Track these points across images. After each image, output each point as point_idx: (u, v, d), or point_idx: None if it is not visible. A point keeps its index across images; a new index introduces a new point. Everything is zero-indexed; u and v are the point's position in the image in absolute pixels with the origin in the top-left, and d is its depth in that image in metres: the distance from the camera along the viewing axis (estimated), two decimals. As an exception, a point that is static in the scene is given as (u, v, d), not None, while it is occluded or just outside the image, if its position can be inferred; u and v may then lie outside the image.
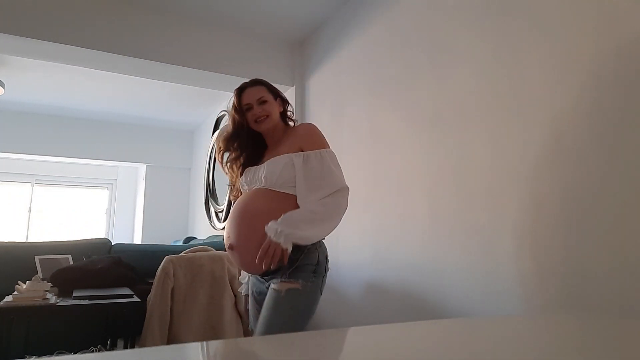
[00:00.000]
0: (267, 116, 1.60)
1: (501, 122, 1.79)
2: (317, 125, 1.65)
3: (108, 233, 6.27)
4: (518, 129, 1.72)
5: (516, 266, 1.66)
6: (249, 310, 1.69)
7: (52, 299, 2.04)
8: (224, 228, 4.78)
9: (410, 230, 2.20)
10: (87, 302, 2.07)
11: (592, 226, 1.43)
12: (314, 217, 1.46)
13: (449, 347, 0.71)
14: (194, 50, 3.18)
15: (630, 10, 1.39)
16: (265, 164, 1.57)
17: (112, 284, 2.45)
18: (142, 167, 6.15)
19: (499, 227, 1.75)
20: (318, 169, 1.51)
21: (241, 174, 1.66)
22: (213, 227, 4.81)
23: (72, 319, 2.56)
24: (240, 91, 1.66)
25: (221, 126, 4.89)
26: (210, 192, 4.95)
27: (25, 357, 2.15)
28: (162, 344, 2.34)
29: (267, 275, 1.51)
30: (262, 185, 1.54)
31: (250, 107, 1.61)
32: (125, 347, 2.23)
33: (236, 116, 1.64)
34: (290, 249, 1.41)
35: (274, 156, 1.56)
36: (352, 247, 2.64)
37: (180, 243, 4.44)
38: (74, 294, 2.16)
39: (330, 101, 3.06)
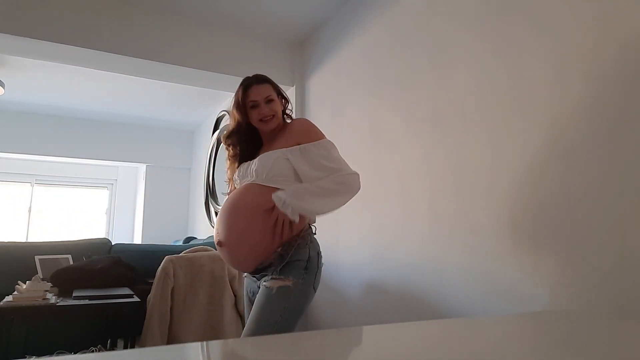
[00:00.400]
0: (274, 116, 1.59)
1: (501, 122, 1.79)
2: (316, 125, 1.65)
3: (108, 233, 6.27)
4: (518, 128, 1.72)
5: (516, 266, 1.66)
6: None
7: (52, 299, 2.04)
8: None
9: (411, 230, 2.20)
10: (87, 302, 2.07)
11: (593, 226, 1.43)
12: (321, 191, 1.47)
13: (449, 347, 0.71)
14: (194, 50, 3.18)
15: (630, 9, 1.39)
16: (257, 158, 1.57)
17: (112, 284, 2.45)
18: (142, 167, 6.15)
19: (499, 227, 1.75)
20: (323, 155, 1.52)
21: (237, 170, 1.66)
22: (213, 227, 4.81)
23: (72, 319, 2.56)
24: (246, 87, 1.62)
25: (221, 126, 4.89)
26: (210, 192, 4.95)
27: (25, 357, 2.15)
28: (162, 344, 2.34)
29: (258, 272, 1.51)
30: (253, 179, 1.53)
31: (256, 105, 1.59)
32: (125, 347, 2.23)
33: (238, 112, 1.62)
34: (297, 220, 1.42)
35: (268, 151, 1.57)
36: (352, 247, 2.64)
37: (180, 243, 4.44)
38: (74, 294, 2.16)
39: (330, 101, 3.06)
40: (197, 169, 5.84)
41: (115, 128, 5.75)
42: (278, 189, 1.49)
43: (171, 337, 2.41)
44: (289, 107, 1.71)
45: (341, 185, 1.51)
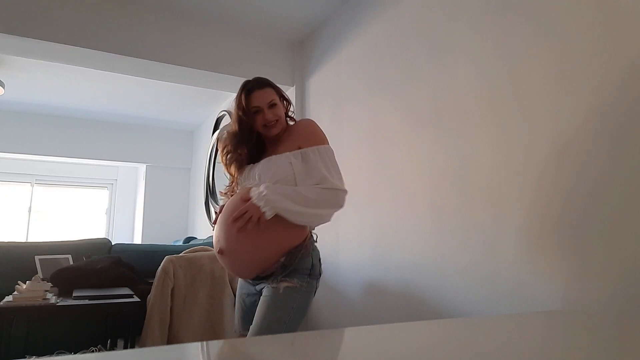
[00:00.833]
0: (277, 120, 1.57)
1: (501, 121, 1.79)
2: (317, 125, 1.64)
3: (108, 233, 6.27)
4: (518, 128, 1.72)
5: (517, 266, 1.66)
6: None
7: (52, 299, 2.04)
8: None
9: (411, 230, 2.20)
10: (87, 302, 2.07)
11: (593, 226, 1.43)
12: (303, 199, 1.44)
13: (450, 347, 0.71)
14: (194, 50, 3.18)
15: (630, 10, 1.39)
16: (261, 162, 1.55)
17: (112, 284, 2.45)
18: (142, 167, 6.15)
19: (500, 227, 1.75)
20: (315, 167, 1.50)
21: (240, 174, 1.64)
22: (213, 227, 4.80)
23: (72, 319, 2.56)
24: (248, 93, 1.59)
25: (221, 126, 4.89)
26: (210, 192, 4.95)
27: (25, 357, 2.15)
28: (162, 343, 2.34)
29: (259, 279, 1.51)
30: (255, 183, 1.52)
31: (259, 110, 1.56)
32: (125, 347, 2.23)
33: (243, 118, 1.58)
34: (268, 216, 1.40)
35: (272, 155, 1.55)
36: (352, 247, 2.64)
37: (180, 243, 4.44)
38: (74, 294, 2.16)
39: (330, 101, 3.06)
40: (197, 169, 5.84)
41: (115, 128, 5.75)
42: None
43: (171, 337, 2.41)
44: (291, 108, 1.70)
45: (323, 196, 1.47)
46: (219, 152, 1.67)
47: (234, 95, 4.80)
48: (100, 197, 6.46)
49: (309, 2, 2.98)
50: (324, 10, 3.08)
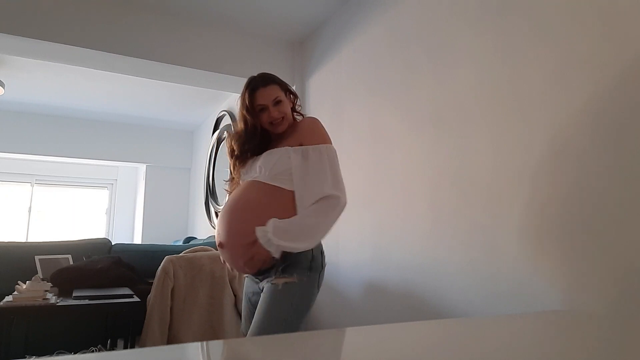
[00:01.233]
0: (284, 118, 1.57)
1: (502, 122, 1.79)
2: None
3: (108, 233, 6.28)
4: (519, 128, 1.72)
5: (517, 266, 1.66)
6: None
7: (52, 299, 2.04)
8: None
9: (411, 230, 2.20)
10: (87, 302, 2.07)
11: (593, 226, 1.43)
12: (305, 230, 1.44)
13: (450, 347, 0.71)
14: (194, 50, 3.18)
15: (631, 9, 1.39)
16: (262, 155, 1.55)
17: (112, 284, 2.45)
18: (142, 167, 6.15)
19: (500, 227, 1.75)
20: (315, 166, 1.49)
21: (243, 168, 1.63)
22: (213, 227, 4.81)
23: (72, 319, 2.56)
24: (252, 91, 1.57)
25: (221, 126, 4.89)
26: (210, 192, 4.95)
27: (25, 357, 2.15)
28: (162, 343, 2.34)
29: (261, 274, 1.50)
30: (256, 176, 1.52)
31: (264, 108, 1.55)
32: (125, 347, 2.23)
33: (248, 117, 1.57)
34: (277, 256, 1.40)
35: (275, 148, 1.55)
36: (352, 247, 2.64)
37: (180, 243, 4.44)
38: (74, 294, 2.16)
39: (330, 101, 3.06)
40: (197, 169, 5.84)
41: (115, 128, 5.75)
42: (280, 187, 1.47)
43: (171, 337, 2.41)
44: (298, 102, 1.68)
45: (323, 217, 1.46)
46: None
47: (234, 95, 4.85)
48: (100, 197, 6.46)
49: (309, 2, 2.98)
50: (324, 10, 3.08)
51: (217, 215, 4.75)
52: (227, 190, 1.73)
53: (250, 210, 1.47)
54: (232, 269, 1.59)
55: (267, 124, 1.57)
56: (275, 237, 1.39)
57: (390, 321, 2.21)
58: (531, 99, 1.68)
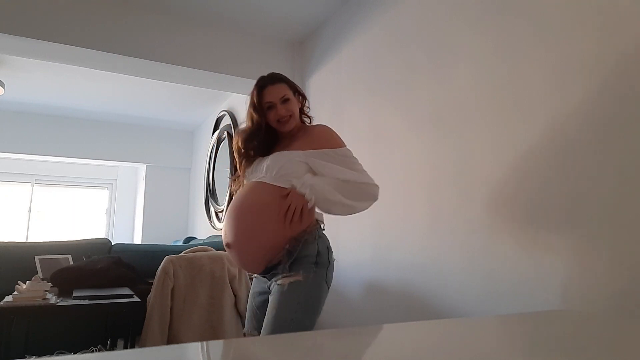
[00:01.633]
0: (291, 116, 1.57)
1: (502, 121, 1.79)
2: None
3: (108, 233, 6.28)
4: (518, 128, 1.72)
5: (517, 266, 1.66)
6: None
7: (52, 299, 2.03)
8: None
9: (411, 230, 2.20)
10: (87, 302, 2.07)
11: (592, 226, 1.43)
12: (344, 189, 1.48)
13: (449, 347, 0.71)
14: (194, 50, 3.18)
15: (631, 10, 1.39)
16: (271, 155, 1.54)
17: (112, 284, 2.45)
18: (142, 167, 6.15)
19: (500, 226, 1.75)
20: (345, 161, 1.52)
21: (249, 168, 1.63)
22: (213, 227, 4.81)
23: (72, 319, 2.56)
24: (260, 88, 1.59)
25: (221, 126, 4.89)
26: (210, 192, 4.95)
27: (25, 357, 2.15)
28: (162, 344, 2.34)
29: (269, 272, 1.49)
30: (261, 176, 1.51)
31: (272, 106, 1.56)
32: (125, 347, 2.23)
33: (255, 115, 1.58)
34: (311, 204, 1.43)
35: (284, 150, 1.54)
36: (352, 247, 2.64)
37: (180, 243, 4.44)
38: (74, 294, 2.16)
39: (330, 101, 3.06)
40: (197, 169, 5.84)
41: (115, 128, 5.75)
42: (285, 188, 1.48)
43: (171, 337, 2.40)
44: (307, 104, 1.68)
45: (364, 190, 1.52)
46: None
47: (234, 95, 4.84)
48: (100, 197, 6.46)
49: (309, 2, 2.98)
50: (324, 10, 3.09)
51: (217, 215, 4.75)
52: (232, 189, 1.71)
53: (256, 208, 1.48)
54: (239, 269, 1.60)
55: (275, 122, 1.57)
56: (313, 181, 1.44)
57: (390, 321, 2.21)
58: (531, 98, 1.68)
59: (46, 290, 2.05)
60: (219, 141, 4.88)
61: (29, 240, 5.64)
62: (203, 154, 5.46)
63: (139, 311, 2.27)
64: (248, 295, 2.62)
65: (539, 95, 1.65)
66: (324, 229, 1.58)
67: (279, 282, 1.43)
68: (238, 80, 3.36)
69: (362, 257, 2.54)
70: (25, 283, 2.05)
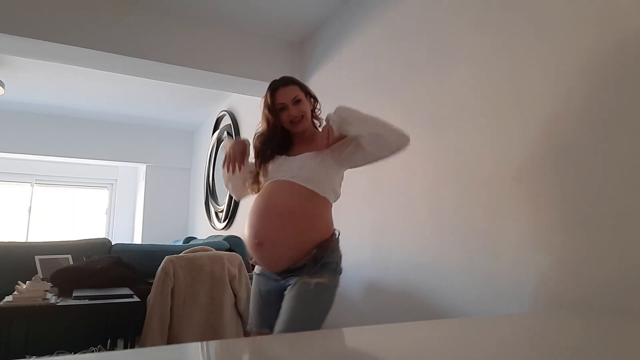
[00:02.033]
0: (303, 116, 1.62)
1: (502, 120, 1.79)
2: None
3: (108, 233, 6.28)
4: (518, 127, 1.72)
5: (517, 266, 1.66)
6: (250, 308, 1.67)
7: (52, 299, 2.03)
8: (224, 228, 4.73)
9: (411, 230, 2.20)
10: (87, 302, 2.07)
11: (592, 226, 1.43)
12: (370, 120, 1.59)
13: (449, 347, 0.71)
14: (194, 50, 3.18)
15: (630, 8, 1.39)
16: (298, 156, 1.58)
17: (112, 284, 2.45)
18: (142, 167, 6.15)
19: (500, 226, 1.75)
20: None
21: (265, 168, 1.65)
22: (213, 227, 4.81)
23: (72, 319, 2.55)
24: (273, 90, 1.65)
25: (221, 126, 4.89)
26: (210, 192, 4.95)
27: (25, 357, 2.15)
28: (162, 344, 2.33)
29: (289, 273, 1.51)
30: (292, 176, 1.54)
31: (284, 107, 1.61)
32: (125, 347, 2.23)
33: (270, 117, 1.63)
34: (335, 125, 1.51)
35: (306, 152, 1.59)
36: (352, 247, 2.63)
37: (180, 243, 4.44)
38: (74, 294, 2.16)
39: (330, 101, 3.03)
40: (197, 169, 5.84)
41: (115, 128, 5.75)
42: (321, 195, 1.53)
43: (171, 337, 2.40)
44: (318, 106, 1.74)
45: (396, 130, 1.60)
46: (254, 149, 1.70)
47: (234, 95, 4.84)
48: (100, 197, 6.46)
49: (309, 2, 2.98)
50: (324, 10, 3.09)
51: (217, 215, 4.75)
52: (252, 189, 1.71)
53: (296, 214, 1.51)
54: (265, 268, 1.59)
55: (287, 122, 1.62)
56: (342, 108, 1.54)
57: (390, 321, 2.21)
58: (531, 98, 1.68)
59: (46, 290, 2.04)
60: (219, 141, 4.88)
61: (29, 240, 5.64)
62: (203, 154, 5.46)
63: (139, 311, 2.27)
64: (248, 295, 2.63)
65: (539, 95, 1.65)
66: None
67: (304, 280, 1.46)
68: (238, 80, 3.36)
69: (362, 257, 2.54)
70: (25, 283, 2.05)
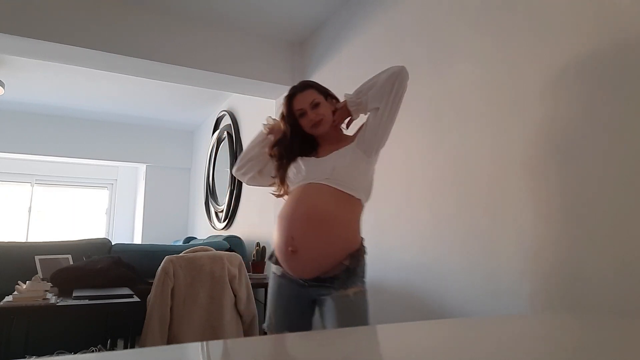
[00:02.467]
0: (322, 119, 1.59)
1: (502, 120, 1.79)
2: None
3: (108, 233, 6.28)
4: (518, 127, 1.72)
5: (517, 266, 1.66)
6: (268, 309, 1.62)
7: (52, 299, 2.03)
8: (224, 228, 4.72)
9: (411, 230, 2.20)
10: (87, 302, 2.07)
11: (593, 226, 1.43)
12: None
13: (450, 347, 0.71)
14: (194, 50, 3.18)
15: (629, 7, 1.39)
16: (330, 157, 1.56)
17: (112, 284, 2.45)
18: (142, 167, 6.15)
19: (500, 227, 1.75)
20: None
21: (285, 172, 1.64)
22: (213, 227, 4.81)
23: (72, 319, 2.56)
24: (290, 98, 1.62)
25: (221, 126, 4.89)
26: (210, 192, 4.95)
27: (25, 357, 2.15)
28: (162, 344, 2.33)
29: (317, 281, 1.48)
30: (325, 178, 1.50)
31: (303, 113, 1.59)
32: (125, 347, 2.23)
33: (288, 124, 1.62)
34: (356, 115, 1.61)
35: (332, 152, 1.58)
36: (352, 247, 2.63)
37: (180, 243, 4.44)
38: (74, 294, 2.16)
39: (330, 101, 3.06)
40: (197, 169, 5.85)
41: (115, 128, 5.75)
42: (356, 198, 1.53)
43: (171, 337, 2.40)
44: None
45: (382, 73, 1.61)
46: (271, 157, 1.70)
47: (234, 95, 4.83)
48: (100, 197, 6.46)
49: (309, 2, 2.98)
50: (324, 10, 3.08)
51: (217, 215, 4.75)
52: (277, 193, 1.69)
53: (333, 220, 1.48)
54: (298, 277, 1.52)
55: (309, 127, 1.61)
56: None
57: (390, 321, 2.21)
58: (531, 98, 1.68)
59: (46, 290, 2.04)
60: (219, 141, 4.88)
61: (29, 240, 5.64)
62: (203, 154, 5.47)
63: (139, 311, 2.27)
64: (248, 295, 2.63)
65: (539, 95, 1.65)
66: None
67: (341, 294, 1.44)
68: (238, 80, 3.36)
69: (362, 257, 2.53)
70: (25, 283, 2.05)
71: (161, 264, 2.49)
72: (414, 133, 2.26)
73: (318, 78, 3.24)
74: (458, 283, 1.89)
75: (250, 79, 3.32)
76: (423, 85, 2.23)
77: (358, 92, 1.59)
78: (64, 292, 2.28)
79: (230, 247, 3.34)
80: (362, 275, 1.52)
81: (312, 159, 1.60)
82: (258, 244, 3.46)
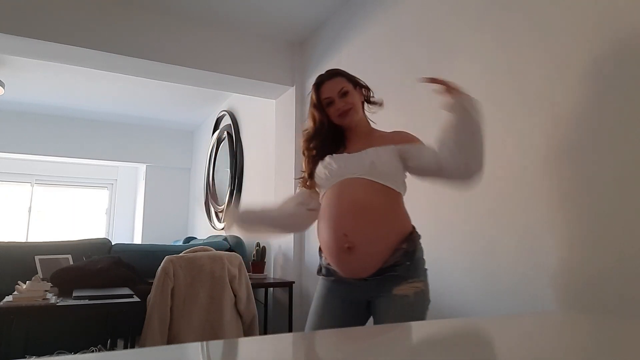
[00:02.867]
0: (351, 108, 1.51)
1: (501, 120, 1.79)
2: None
3: (108, 233, 6.28)
4: (518, 127, 1.72)
5: (517, 266, 1.66)
6: (311, 317, 1.51)
7: (52, 299, 2.03)
8: (224, 228, 4.72)
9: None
10: (87, 302, 2.07)
11: (593, 226, 1.43)
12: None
13: (449, 347, 0.71)
14: (194, 50, 3.18)
15: (629, 7, 1.39)
16: (367, 151, 1.46)
17: (112, 284, 2.45)
18: (142, 167, 6.15)
19: (500, 226, 1.75)
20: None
21: (315, 168, 1.54)
22: (213, 227, 4.81)
23: (72, 319, 2.56)
24: (318, 86, 1.54)
25: (221, 126, 4.89)
26: (210, 192, 4.95)
27: (25, 357, 2.15)
28: (162, 344, 2.33)
29: (381, 274, 1.37)
30: (364, 173, 1.42)
31: (331, 101, 1.51)
32: (125, 347, 2.23)
33: (316, 113, 1.53)
34: (462, 103, 1.39)
35: (366, 148, 1.47)
36: (352, 247, 2.63)
37: (180, 243, 4.44)
38: (74, 294, 2.16)
39: (330, 101, 3.06)
40: (197, 169, 5.85)
41: (115, 128, 5.75)
42: (396, 191, 1.45)
43: (171, 337, 2.40)
44: (372, 94, 1.61)
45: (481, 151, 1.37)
46: (304, 149, 1.58)
47: (234, 95, 4.82)
48: (100, 197, 6.46)
49: (309, 2, 2.98)
50: (324, 10, 3.09)
51: (217, 215, 4.75)
52: (305, 187, 1.60)
53: (383, 212, 1.41)
54: (351, 275, 1.42)
55: (336, 117, 1.52)
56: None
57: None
58: (531, 96, 1.68)
59: (46, 290, 2.04)
60: (219, 141, 4.88)
61: (29, 240, 5.64)
62: (203, 154, 5.47)
63: (139, 311, 2.27)
64: (248, 295, 2.63)
65: (539, 95, 1.65)
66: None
67: (401, 292, 1.35)
68: (238, 80, 3.36)
69: (362, 257, 2.53)
70: (25, 283, 2.05)
71: (161, 264, 2.49)
72: (414, 133, 2.26)
73: (318, 78, 3.24)
74: (458, 283, 1.89)
75: (250, 79, 3.32)
76: (423, 85, 2.22)
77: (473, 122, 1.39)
78: (64, 292, 2.28)
79: (230, 247, 3.34)
80: (423, 265, 1.42)
81: (344, 155, 1.51)
82: (258, 244, 3.46)
